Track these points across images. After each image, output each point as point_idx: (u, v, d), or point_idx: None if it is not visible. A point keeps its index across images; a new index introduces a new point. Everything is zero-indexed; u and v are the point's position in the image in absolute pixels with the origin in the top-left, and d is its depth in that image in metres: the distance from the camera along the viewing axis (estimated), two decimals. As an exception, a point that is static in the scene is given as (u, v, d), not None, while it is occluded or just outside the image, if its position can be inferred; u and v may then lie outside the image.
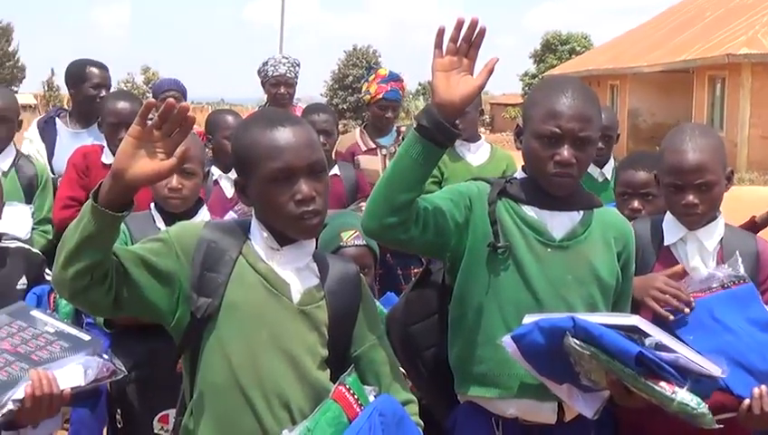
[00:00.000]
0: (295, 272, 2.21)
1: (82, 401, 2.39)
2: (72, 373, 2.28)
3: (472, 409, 2.57)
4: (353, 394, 2.14)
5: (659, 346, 2.27)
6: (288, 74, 5.86)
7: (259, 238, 2.20)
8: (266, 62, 5.96)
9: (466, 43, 2.28)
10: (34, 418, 2.23)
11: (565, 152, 2.41)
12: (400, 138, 5.40)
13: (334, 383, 2.16)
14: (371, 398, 2.17)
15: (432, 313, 2.72)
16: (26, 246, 3.29)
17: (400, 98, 5.42)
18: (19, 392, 2.16)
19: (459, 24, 2.26)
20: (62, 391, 2.22)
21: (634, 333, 2.29)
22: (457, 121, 2.37)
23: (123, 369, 2.44)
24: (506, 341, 2.37)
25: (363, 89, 5.49)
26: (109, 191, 1.92)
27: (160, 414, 2.91)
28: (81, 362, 2.33)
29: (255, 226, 2.22)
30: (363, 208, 4.36)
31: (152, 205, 3.28)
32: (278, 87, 5.85)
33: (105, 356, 2.40)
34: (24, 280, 3.13)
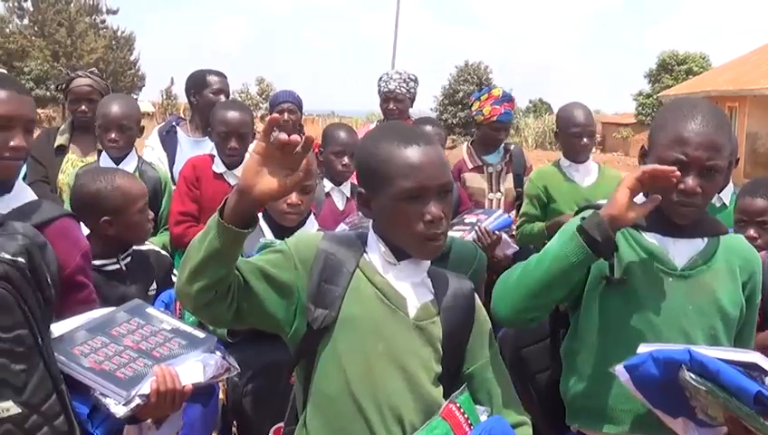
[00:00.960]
0: (412, 287, 2.20)
1: (198, 398, 2.42)
2: (192, 370, 2.33)
3: None
4: (463, 413, 2.13)
5: None
6: (398, 90, 5.89)
7: (376, 252, 2.20)
8: (381, 78, 6.02)
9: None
10: (159, 412, 2.29)
11: (690, 181, 2.30)
12: (507, 156, 5.36)
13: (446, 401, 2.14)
14: (483, 418, 2.15)
15: (545, 336, 2.68)
16: (156, 248, 3.45)
17: (512, 119, 5.37)
18: (145, 388, 2.22)
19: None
20: (184, 386, 2.27)
21: (754, 370, 2.19)
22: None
23: (237, 366, 2.47)
24: (619, 370, 2.30)
25: (475, 107, 5.43)
26: (234, 207, 1.94)
27: (276, 426, 2.94)
28: (200, 358, 2.38)
29: (373, 239, 2.22)
30: (466, 220, 4.39)
31: (260, 215, 3.33)
32: (388, 102, 5.90)
33: (219, 353, 2.45)
34: (154, 285, 3.24)
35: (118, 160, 4.29)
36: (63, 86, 5.11)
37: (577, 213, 2.56)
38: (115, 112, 4.30)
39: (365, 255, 2.21)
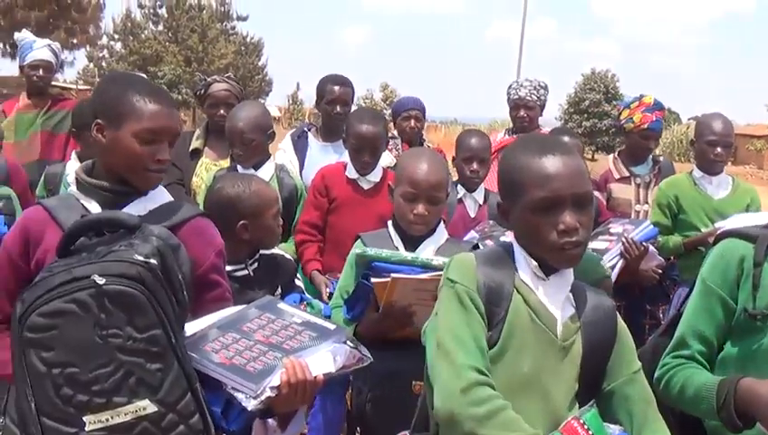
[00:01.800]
0: (560, 304, 2.16)
1: (332, 388, 2.40)
2: (323, 360, 2.32)
3: None
4: (587, 430, 2.04)
5: None
6: (528, 97, 5.81)
7: (525, 267, 2.17)
8: (510, 85, 5.96)
9: None
10: (291, 404, 2.28)
11: None
12: (656, 168, 5.22)
13: None
14: None
15: None
16: (281, 252, 3.47)
17: (662, 128, 5.23)
18: (275, 380, 2.21)
19: None
20: (315, 377, 2.26)
21: None
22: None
23: (369, 356, 2.46)
24: None
25: (624, 115, 5.31)
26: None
27: (401, 434, 2.94)
28: (330, 349, 2.37)
29: (520, 253, 2.20)
30: (612, 230, 4.29)
31: (389, 223, 3.33)
32: (518, 109, 5.84)
33: (350, 344, 2.43)
34: (279, 289, 3.26)
35: (256, 166, 4.35)
36: (202, 91, 5.21)
37: (715, 242, 2.51)
38: (238, 126, 4.33)
39: (516, 273, 2.17)
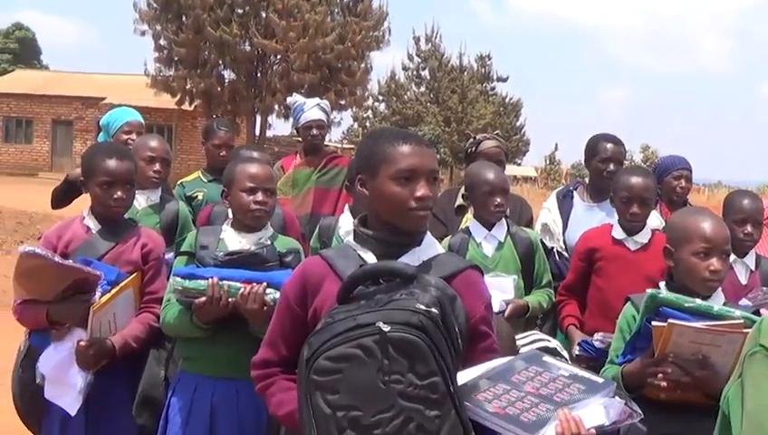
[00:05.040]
0: None
1: None
2: (594, 413, 2.31)
3: None
4: None
5: None
6: (815, 157, 5.49)
7: None
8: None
9: None
10: None
11: None
12: None
13: None
14: None
15: None
16: (544, 344, 3.50)
17: None
18: (549, 431, 2.23)
19: None
20: (589, 430, 2.25)
21: None
22: None
23: (639, 411, 2.40)
24: None
25: None
26: None
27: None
28: (601, 402, 2.35)
29: None
30: None
31: (662, 284, 3.27)
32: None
33: (620, 399, 2.40)
34: None
35: (490, 225, 4.44)
36: (473, 148, 5.32)
37: None
38: (495, 178, 4.42)
39: None
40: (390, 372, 2.15)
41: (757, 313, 3.13)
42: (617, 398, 2.41)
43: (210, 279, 3.29)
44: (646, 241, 4.30)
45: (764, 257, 4.45)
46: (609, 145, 5.11)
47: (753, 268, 4.28)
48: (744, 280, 4.23)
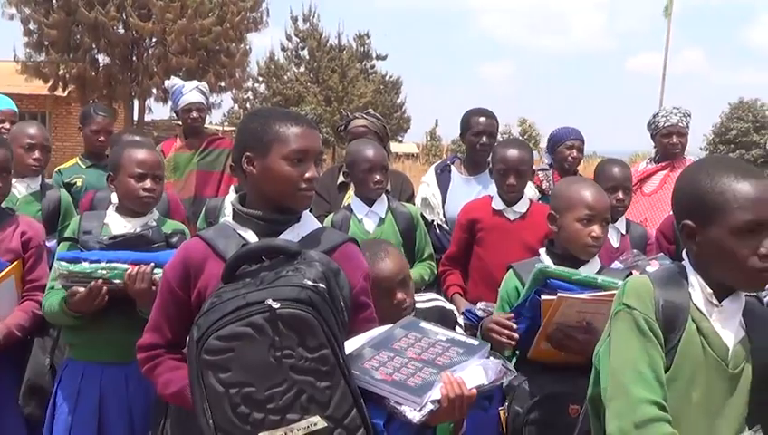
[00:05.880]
0: (732, 330, 2.14)
1: (479, 402, 2.48)
2: (475, 374, 2.41)
3: None
4: None
5: None
6: (680, 124, 5.75)
7: (699, 292, 2.15)
8: (657, 114, 5.90)
9: None
10: (448, 417, 2.38)
11: None
12: None
13: None
14: None
15: None
16: (441, 304, 3.55)
17: None
18: (435, 393, 2.32)
19: None
20: (470, 389, 2.35)
21: None
22: None
23: (513, 369, 2.55)
24: None
25: None
26: None
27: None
28: (480, 363, 2.46)
29: (694, 276, 2.17)
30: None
31: (542, 251, 3.41)
32: (670, 137, 5.76)
33: (496, 358, 2.54)
34: None
35: (370, 202, 4.52)
36: (343, 127, 5.42)
37: None
38: (374, 156, 4.50)
39: (690, 298, 2.15)
40: (281, 348, 2.19)
41: (631, 274, 3.29)
42: (492, 358, 2.53)
43: (94, 282, 3.26)
44: (524, 211, 4.45)
45: (633, 222, 4.68)
46: (482, 118, 5.27)
47: (624, 232, 4.49)
48: (615, 244, 4.42)
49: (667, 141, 5.78)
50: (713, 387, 2.10)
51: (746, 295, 2.22)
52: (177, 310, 2.58)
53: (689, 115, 5.83)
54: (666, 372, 2.07)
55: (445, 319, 3.38)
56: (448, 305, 3.62)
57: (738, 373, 2.12)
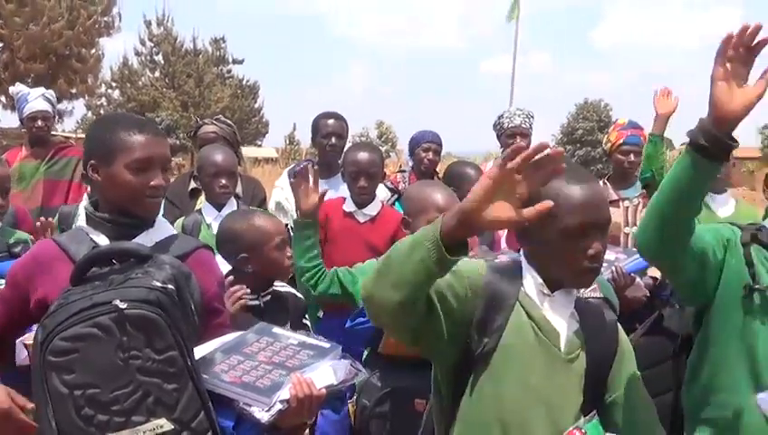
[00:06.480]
0: (564, 319, 2.24)
1: (331, 402, 2.56)
2: (324, 374, 2.49)
3: None
4: None
5: None
6: (523, 125, 5.99)
7: (531, 283, 2.25)
8: (501, 115, 6.12)
9: (747, 51, 2.17)
10: (298, 417, 2.42)
11: None
12: (645, 191, 5.36)
13: None
14: None
15: (665, 359, 2.71)
16: (294, 291, 3.58)
17: (641, 143, 5.37)
18: (284, 393, 2.38)
19: (743, 31, 2.14)
20: (320, 390, 2.42)
21: None
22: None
23: (362, 369, 2.64)
24: (762, 398, 2.32)
25: (604, 141, 5.53)
26: (453, 231, 1.86)
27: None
28: (330, 364, 2.54)
29: (527, 269, 2.27)
30: (605, 256, 4.41)
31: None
32: (514, 138, 5.97)
33: (346, 360, 2.61)
34: (288, 326, 3.38)
35: (220, 207, 4.52)
36: (193, 133, 5.44)
37: None
38: (222, 161, 4.54)
39: (522, 287, 2.25)
40: (128, 349, 2.20)
41: None
42: (342, 360, 2.60)
43: None
44: (374, 214, 4.57)
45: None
46: (330, 121, 5.42)
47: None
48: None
49: (512, 142, 5.95)
50: (549, 371, 2.19)
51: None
52: (7, 307, 2.59)
53: (532, 116, 6.08)
54: (490, 352, 2.15)
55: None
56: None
57: (572, 359, 2.22)
